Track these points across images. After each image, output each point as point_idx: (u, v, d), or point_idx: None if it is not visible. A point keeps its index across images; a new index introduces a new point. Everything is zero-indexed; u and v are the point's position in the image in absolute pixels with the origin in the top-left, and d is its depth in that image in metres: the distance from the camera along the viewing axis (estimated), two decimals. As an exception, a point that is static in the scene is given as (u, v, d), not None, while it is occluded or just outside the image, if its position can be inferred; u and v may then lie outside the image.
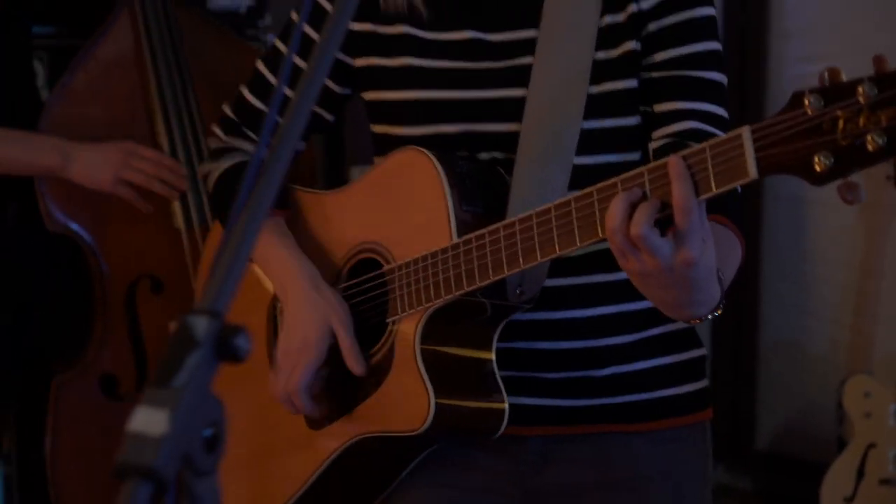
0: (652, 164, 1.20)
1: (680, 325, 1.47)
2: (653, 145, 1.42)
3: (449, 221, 1.39)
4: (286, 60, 1.54)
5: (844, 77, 1.07)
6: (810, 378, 3.35)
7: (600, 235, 1.23)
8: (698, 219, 1.16)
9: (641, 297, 1.31)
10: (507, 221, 1.33)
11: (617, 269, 1.26)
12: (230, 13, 2.87)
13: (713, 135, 1.38)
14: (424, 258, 1.40)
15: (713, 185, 1.14)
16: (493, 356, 1.42)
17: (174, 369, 0.80)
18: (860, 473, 2.97)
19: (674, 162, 1.16)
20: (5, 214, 2.36)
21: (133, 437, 0.77)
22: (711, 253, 1.20)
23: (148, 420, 0.78)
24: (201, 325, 0.81)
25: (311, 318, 1.47)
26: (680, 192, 1.15)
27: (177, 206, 2.31)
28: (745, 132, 1.12)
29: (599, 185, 1.23)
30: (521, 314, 1.42)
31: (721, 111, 1.42)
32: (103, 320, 2.34)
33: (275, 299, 1.61)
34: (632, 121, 1.44)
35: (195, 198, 2.32)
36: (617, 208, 1.19)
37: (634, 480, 1.46)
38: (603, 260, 1.33)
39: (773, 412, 3.45)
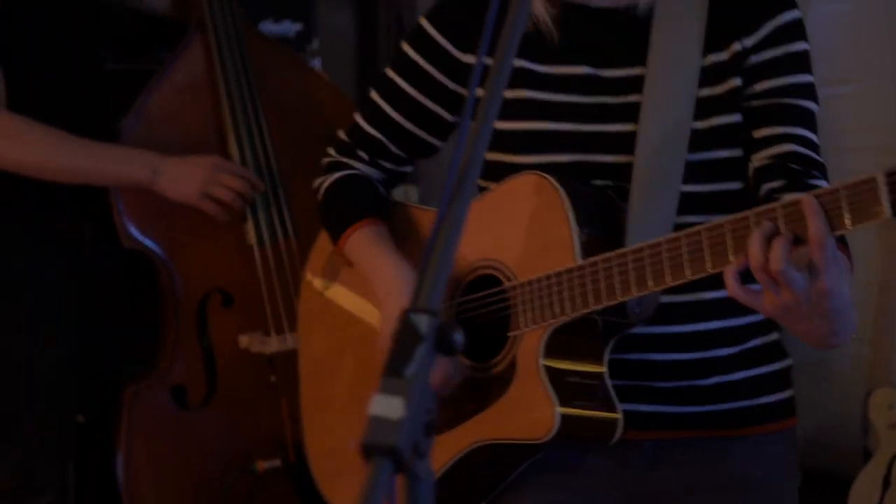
0: (784, 201, 1.31)
1: (774, 338, 1.61)
2: (754, 165, 1.54)
3: (573, 244, 1.49)
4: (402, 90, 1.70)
5: None
6: (835, 394, 3.46)
7: (732, 262, 1.33)
8: (832, 252, 1.27)
9: (743, 313, 1.44)
10: (635, 247, 1.44)
11: (721, 287, 1.37)
12: (280, 38, 2.99)
13: (809, 157, 1.51)
14: (549, 277, 1.51)
15: (848, 223, 1.26)
16: (606, 369, 1.52)
17: (404, 361, 0.90)
18: (886, 483, 3.08)
19: (808, 201, 1.27)
20: (82, 233, 2.45)
21: (375, 421, 0.87)
22: (844, 282, 1.30)
23: (387, 406, 0.88)
24: (423, 322, 0.91)
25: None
26: (816, 228, 1.26)
27: (249, 224, 2.41)
28: (880, 177, 1.24)
29: (731, 218, 1.34)
30: (634, 329, 1.53)
31: (815, 137, 1.54)
32: (175, 333, 2.43)
33: None
34: (735, 152, 1.56)
35: (266, 216, 2.42)
36: (757, 247, 1.29)
37: (739, 482, 1.58)
38: (710, 279, 1.42)
39: (799, 427, 3.56)
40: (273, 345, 2.42)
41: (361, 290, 1.76)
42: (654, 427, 1.57)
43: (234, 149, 2.43)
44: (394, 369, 0.89)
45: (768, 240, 1.29)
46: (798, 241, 1.28)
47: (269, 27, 2.99)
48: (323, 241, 1.83)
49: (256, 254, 2.42)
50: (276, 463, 2.43)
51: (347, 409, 1.77)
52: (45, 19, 2.38)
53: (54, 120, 2.32)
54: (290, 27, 3.05)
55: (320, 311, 1.85)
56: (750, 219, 1.32)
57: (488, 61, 1.56)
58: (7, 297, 2.35)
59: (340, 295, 1.84)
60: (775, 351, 1.63)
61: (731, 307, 1.46)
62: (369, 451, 0.86)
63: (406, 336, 0.91)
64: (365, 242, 1.69)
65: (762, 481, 1.58)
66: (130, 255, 2.44)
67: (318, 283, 1.87)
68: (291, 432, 2.39)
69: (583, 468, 1.57)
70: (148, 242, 2.40)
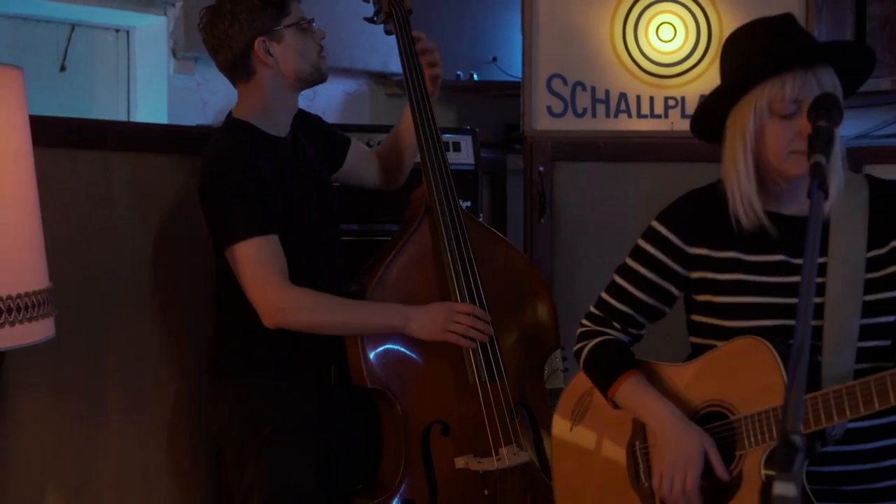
0: None
1: None
2: None
3: (784, 386, 2.07)
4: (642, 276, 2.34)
5: None
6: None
7: None
8: None
9: None
10: (834, 388, 2.01)
11: (887, 414, 1.97)
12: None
13: None
14: (767, 411, 2.10)
15: None
16: (804, 477, 2.07)
17: (790, 463, 1.47)
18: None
19: None
20: (329, 375, 3.01)
21: (780, 499, 1.44)
22: None
23: (785, 488, 1.44)
24: (798, 439, 1.48)
25: (689, 440, 2.15)
26: None
27: (471, 364, 2.96)
28: None
29: None
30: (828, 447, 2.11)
31: None
32: (405, 457, 2.95)
33: (633, 441, 2.30)
34: (893, 318, 2.17)
35: (484, 358, 2.96)
36: None
37: None
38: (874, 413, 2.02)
39: None
40: (486, 464, 2.95)
41: (602, 428, 2.40)
42: None
43: (456, 301, 2.97)
44: (785, 468, 1.46)
45: None
46: None
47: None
48: (572, 387, 2.46)
49: (479, 390, 2.95)
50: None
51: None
52: (316, 208, 2.99)
53: (314, 276, 2.89)
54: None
55: (570, 441, 2.44)
56: None
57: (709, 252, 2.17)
58: (284, 436, 2.89)
59: (586, 430, 2.43)
60: None
61: (893, 429, 2.07)
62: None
63: (787, 448, 1.48)
64: (634, 388, 2.29)
65: None
66: (367, 393, 3.00)
67: (566, 420, 2.49)
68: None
69: None
70: (388, 383, 2.93)
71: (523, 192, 3.98)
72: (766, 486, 2.02)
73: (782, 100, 2.17)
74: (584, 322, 2.45)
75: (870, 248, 2.18)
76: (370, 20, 3.21)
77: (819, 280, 2.17)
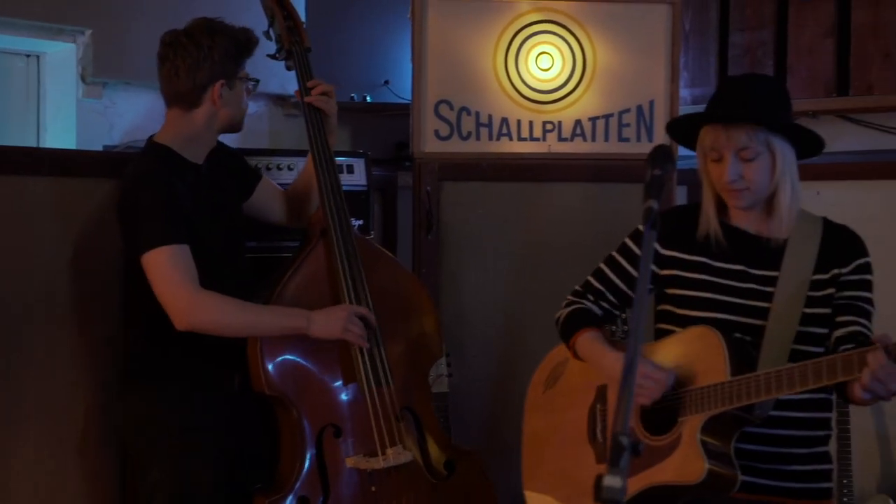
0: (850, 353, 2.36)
1: (825, 449, 2.67)
2: (835, 336, 2.58)
3: (726, 367, 2.52)
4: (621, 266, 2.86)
5: None
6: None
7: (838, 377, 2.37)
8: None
9: (813, 428, 2.56)
10: (766, 371, 2.44)
11: (801, 410, 2.48)
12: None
13: (867, 335, 2.55)
14: (709, 387, 2.52)
15: None
16: (732, 446, 2.51)
17: (618, 460, 1.78)
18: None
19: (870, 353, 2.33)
20: (233, 383, 3.26)
21: (608, 489, 1.75)
22: None
23: (612, 481, 1.76)
24: (624, 440, 1.80)
25: (646, 368, 2.64)
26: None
27: (361, 372, 3.23)
28: None
29: (820, 360, 2.40)
30: (751, 427, 2.53)
31: (871, 325, 2.60)
32: (300, 457, 3.20)
33: (594, 404, 2.78)
34: (823, 330, 2.61)
35: (372, 367, 3.23)
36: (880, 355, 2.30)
37: None
38: (791, 404, 2.49)
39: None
40: (374, 463, 3.23)
41: (569, 393, 2.85)
42: (749, 491, 2.56)
43: (348, 319, 3.26)
44: (613, 463, 1.78)
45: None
46: None
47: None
48: (550, 358, 2.93)
49: (367, 394, 3.23)
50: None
51: (560, 460, 2.85)
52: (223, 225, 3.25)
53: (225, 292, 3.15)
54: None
55: (542, 403, 2.93)
56: (837, 360, 2.37)
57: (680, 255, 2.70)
58: (187, 439, 3.14)
59: (556, 394, 2.92)
60: (824, 457, 2.67)
61: (806, 424, 2.58)
62: (606, 500, 1.74)
63: (617, 446, 1.80)
64: (591, 340, 2.79)
65: None
66: (265, 399, 3.26)
67: (540, 385, 2.97)
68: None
69: None
70: (286, 391, 3.19)
71: (412, 209, 4.28)
72: (704, 447, 2.50)
73: (707, 146, 2.70)
74: (568, 297, 2.93)
75: (815, 272, 2.64)
76: (273, 56, 3.48)
77: (769, 289, 2.65)
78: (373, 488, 3.23)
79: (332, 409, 3.26)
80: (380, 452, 3.22)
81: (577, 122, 4.33)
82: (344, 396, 3.27)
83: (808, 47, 4.71)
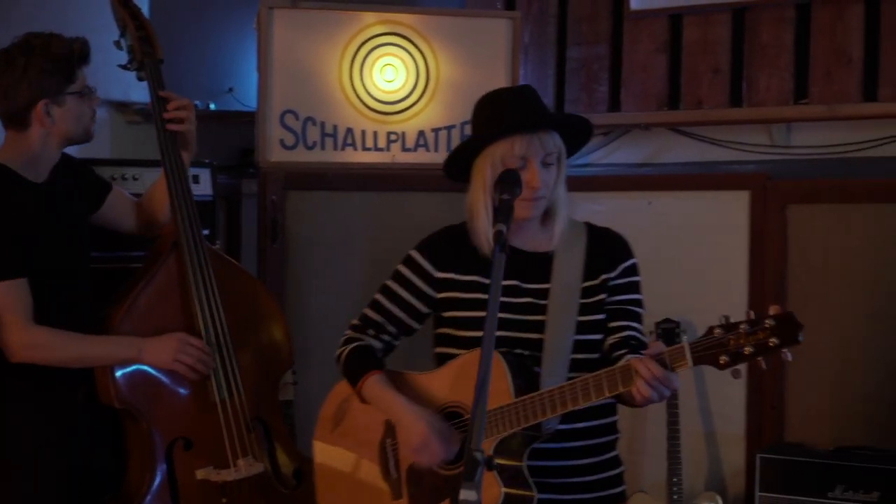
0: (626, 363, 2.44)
1: (614, 454, 2.73)
2: (609, 342, 2.65)
3: (510, 389, 2.54)
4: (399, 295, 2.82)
5: (732, 320, 2.32)
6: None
7: (604, 395, 2.44)
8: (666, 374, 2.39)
9: (600, 435, 2.60)
10: (548, 389, 2.49)
11: (586, 420, 2.55)
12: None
13: (640, 339, 2.65)
14: (496, 410, 2.54)
15: (671, 367, 2.37)
16: (525, 464, 2.55)
17: (472, 475, 1.87)
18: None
19: (640, 363, 2.41)
20: (77, 396, 3.24)
21: (464, 502, 1.84)
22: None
23: (468, 494, 1.85)
24: (479, 455, 1.89)
25: (419, 419, 2.64)
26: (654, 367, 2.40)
27: (212, 384, 3.26)
28: (686, 345, 2.35)
29: (600, 373, 2.46)
30: (540, 443, 2.57)
31: (642, 327, 2.69)
32: (149, 470, 3.21)
33: (384, 439, 2.74)
34: (599, 336, 2.67)
35: (224, 378, 3.27)
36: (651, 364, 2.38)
37: None
38: (575, 415, 2.52)
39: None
40: (224, 475, 3.26)
41: (359, 429, 2.81)
42: None
43: (200, 330, 3.25)
44: (468, 478, 1.87)
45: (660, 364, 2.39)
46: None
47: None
48: (335, 393, 2.88)
49: (219, 408, 3.26)
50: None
51: (356, 499, 2.81)
52: (61, 241, 3.22)
53: (65, 309, 3.13)
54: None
55: (332, 439, 2.87)
56: (616, 372, 2.45)
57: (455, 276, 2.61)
58: (28, 456, 3.13)
59: (345, 431, 2.87)
60: (614, 461, 2.75)
61: (593, 432, 2.62)
62: (465, 516, 1.83)
63: (471, 461, 1.89)
64: (376, 384, 2.75)
65: None
66: (114, 412, 3.25)
67: (328, 422, 2.90)
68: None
69: None
70: (134, 402, 3.20)
71: (258, 218, 4.30)
72: (499, 472, 2.52)
73: (512, 156, 2.64)
74: (346, 332, 2.90)
75: (585, 280, 2.69)
76: (124, 67, 3.46)
77: (542, 302, 2.67)
78: (224, 500, 3.25)
79: (183, 422, 3.27)
80: (231, 464, 3.25)
81: (421, 133, 4.42)
82: (195, 408, 3.28)
83: (641, 63, 4.90)
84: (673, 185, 4.74)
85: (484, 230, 2.68)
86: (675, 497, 4.23)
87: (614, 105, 4.98)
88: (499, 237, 2.25)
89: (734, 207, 4.57)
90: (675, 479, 4.24)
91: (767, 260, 4.49)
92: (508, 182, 2.44)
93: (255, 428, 3.34)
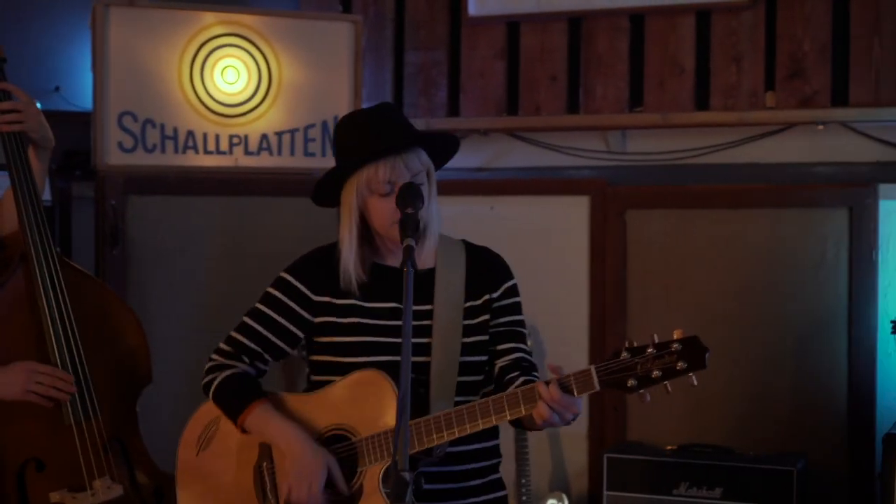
0: (529, 386, 2.40)
1: (499, 475, 2.71)
2: (499, 365, 2.62)
3: None
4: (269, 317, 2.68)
5: (637, 344, 2.31)
6: None
7: (507, 417, 2.40)
8: (570, 399, 2.36)
9: (486, 458, 2.57)
10: (441, 412, 2.44)
11: (474, 442, 2.49)
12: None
13: (528, 359, 2.61)
14: (383, 433, 2.48)
15: (576, 391, 2.35)
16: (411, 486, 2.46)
17: (403, 495, 1.83)
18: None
19: (543, 386, 2.38)
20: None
21: (398, 523, 1.80)
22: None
23: (400, 517, 1.81)
24: (407, 475, 1.86)
25: (313, 456, 2.52)
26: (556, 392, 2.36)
27: (66, 405, 3.10)
28: (593, 369, 2.33)
29: (500, 395, 2.42)
30: (427, 467, 2.51)
31: (528, 348, 2.67)
32: (0, 490, 3.05)
33: (260, 462, 2.62)
34: (484, 357, 2.64)
35: (80, 400, 3.11)
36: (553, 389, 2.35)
37: None
38: (465, 438, 2.48)
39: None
40: (80, 499, 3.10)
41: (229, 453, 2.67)
42: None
43: (53, 350, 3.08)
44: (399, 498, 1.83)
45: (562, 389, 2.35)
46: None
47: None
48: (198, 417, 2.72)
49: (74, 430, 3.10)
50: None
51: None
52: None
53: None
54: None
55: (196, 466, 2.72)
56: (519, 394, 2.41)
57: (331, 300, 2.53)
58: None
59: (213, 456, 2.72)
60: (500, 483, 2.73)
61: (478, 455, 2.56)
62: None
63: (398, 483, 1.85)
64: (263, 414, 2.61)
65: None
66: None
67: (192, 447, 2.74)
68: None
69: None
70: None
71: (94, 223, 4.13)
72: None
73: (378, 182, 2.55)
74: (214, 357, 2.72)
75: (467, 300, 2.63)
76: None
77: (427, 323, 2.60)
78: (80, 524, 3.10)
79: (35, 442, 3.10)
80: (87, 486, 3.10)
81: (264, 136, 4.34)
82: (47, 429, 3.11)
83: (479, 69, 4.94)
84: (515, 190, 4.80)
85: (349, 257, 2.62)
86: (525, 498, 4.28)
87: (453, 110, 5.00)
88: (409, 252, 2.21)
89: (575, 212, 4.66)
90: (523, 481, 4.28)
91: (608, 264, 4.59)
92: (410, 196, 2.40)
93: (112, 449, 3.19)
